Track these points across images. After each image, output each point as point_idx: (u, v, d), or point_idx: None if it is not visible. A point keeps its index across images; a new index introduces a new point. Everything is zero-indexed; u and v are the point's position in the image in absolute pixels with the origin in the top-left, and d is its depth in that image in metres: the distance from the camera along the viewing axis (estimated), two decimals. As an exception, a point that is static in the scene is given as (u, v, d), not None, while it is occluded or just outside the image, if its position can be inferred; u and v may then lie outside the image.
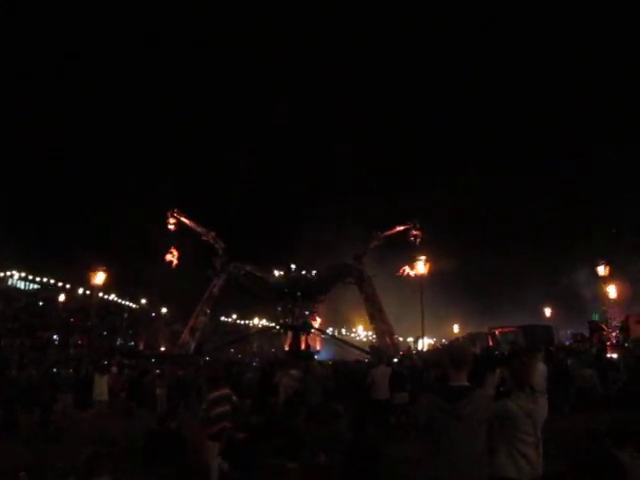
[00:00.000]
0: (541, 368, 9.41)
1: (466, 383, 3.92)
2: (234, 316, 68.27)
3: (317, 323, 43.86)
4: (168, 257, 36.46)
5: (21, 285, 61.16)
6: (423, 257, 32.26)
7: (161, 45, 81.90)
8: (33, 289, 60.54)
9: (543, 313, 43.69)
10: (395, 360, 20.65)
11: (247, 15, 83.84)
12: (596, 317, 31.71)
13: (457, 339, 34.66)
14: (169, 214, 36.30)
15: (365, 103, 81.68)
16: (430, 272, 31.43)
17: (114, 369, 19.18)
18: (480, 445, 3.81)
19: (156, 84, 74.25)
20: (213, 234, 37.02)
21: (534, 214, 55.43)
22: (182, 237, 37.55)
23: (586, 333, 28.84)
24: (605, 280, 31.02)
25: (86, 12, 71.69)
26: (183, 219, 36.81)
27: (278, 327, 40.00)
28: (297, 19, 77.70)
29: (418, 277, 31.48)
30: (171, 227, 36.43)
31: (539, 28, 73.16)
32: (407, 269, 32.11)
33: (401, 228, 35.26)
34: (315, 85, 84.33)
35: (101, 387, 14.77)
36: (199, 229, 37.17)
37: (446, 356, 4.09)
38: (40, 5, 72.82)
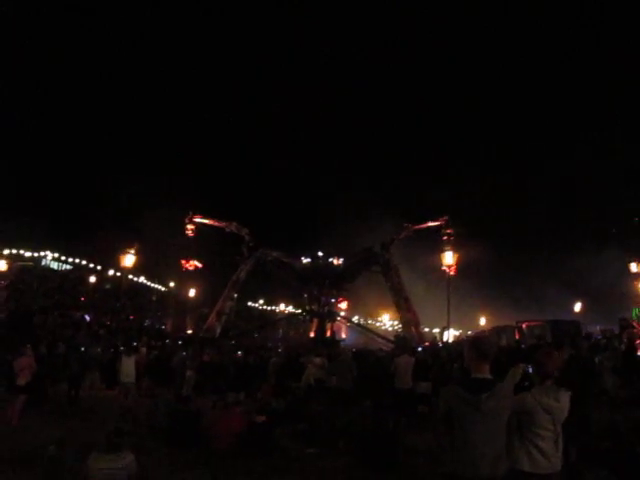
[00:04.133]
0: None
1: (489, 376, 3.87)
2: (261, 301, 68.77)
3: (343, 311, 43.93)
4: (186, 265, 36.88)
5: (54, 265, 62.59)
6: (450, 249, 31.97)
7: (173, 38, 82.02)
8: (65, 270, 61.88)
9: (572, 309, 43.02)
10: (419, 349, 20.57)
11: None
12: (636, 312, 31.00)
13: (483, 331, 34.29)
14: (186, 220, 36.53)
15: (397, 92, 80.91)
16: (458, 263, 31.11)
17: (143, 350, 19.41)
18: (500, 439, 3.77)
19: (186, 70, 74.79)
20: (235, 224, 37.22)
21: (567, 209, 54.50)
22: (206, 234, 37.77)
23: (616, 330, 28.29)
24: (638, 277, 30.39)
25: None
26: (201, 220, 37.09)
27: (304, 314, 40.13)
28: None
29: (446, 268, 31.21)
30: (189, 233, 36.62)
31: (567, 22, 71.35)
32: (447, 269, 31.73)
33: (433, 224, 34.95)
34: (347, 71, 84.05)
35: (128, 368, 15.02)
36: (220, 224, 37.43)
37: (470, 348, 4.04)
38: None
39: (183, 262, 36.85)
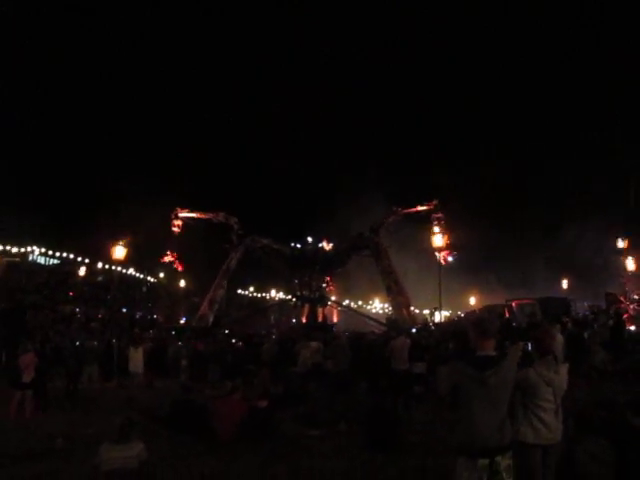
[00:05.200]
0: (559, 339, 9.56)
1: (493, 352, 4.04)
2: (251, 289, 68.87)
3: (334, 295, 44.18)
4: (166, 259, 36.97)
5: (42, 260, 62.10)
6: (438, 230, 32.20)
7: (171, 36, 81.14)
8: (53, 264, 61.46)
9: (560, 286, 43.61)
10: (413, 331, 20.83)
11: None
12: None
13: (473, 311, 34.69)
14: (172, 216, 36.51)
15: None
16: (447, 244, 31.37)
17: (149, 343, 19.34)
18: (504, 411, 3.95)
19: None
20: (222, 214, 37.23)
21: (551, 186, 54.96)
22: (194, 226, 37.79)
23: (603, 306, 28.75)
24: (624, 252, 30.85)
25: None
26: (187, 214, 37.06)
27: (295, 300, 40.31)
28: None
29: (436, 249, 31.45)
30: (175, 229, 36.63)
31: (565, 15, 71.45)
32: (439, 256, 31.94)
33: (422, 208, 35.18)
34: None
35: (136, 359, 15.20)
36: (207, 216, 37.44)
37: (473, 327, 4.19)
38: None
39: (166, 257, 36.95)
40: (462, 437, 3.94)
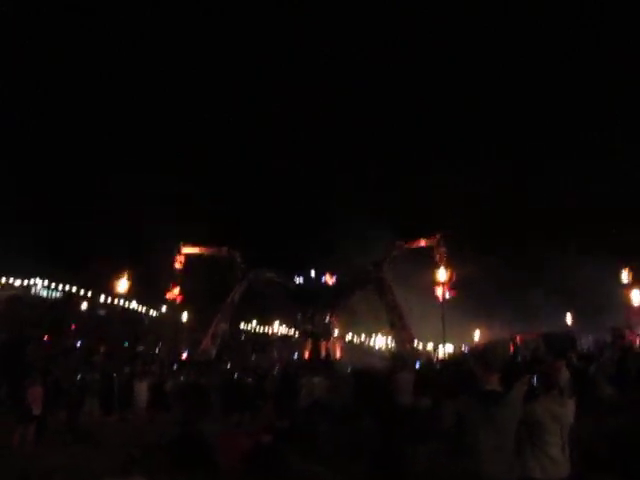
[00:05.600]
0: (564, 373, 9.49)
1: (498, 387, 4.04)
2: (254, 322, 68.48)
3: (337, 330, 43.93)
4: (169, 295, 37.12)
5: (44, 293, 62.11)
6: (443, 266, 32.21)
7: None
8: (56, 297, 61.42)
9: (564, 320, 43.31)
10: (417, 366, 20.65)
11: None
12: None
13: (477, 346, 34.44)
14: (176, 252, 36.72)
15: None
16: (450, 279, 31.37)
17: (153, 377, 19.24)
18: (511, 445, 3.93)
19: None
20: (225, 248, 37.36)
21: (553, 218, 55.01)
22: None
23: (608, 340, 28.50)
24: (628, 286, 30.75)
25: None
26: (190, 250, 37.22)
27: (298, 334, 40.12)
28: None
29: (437, 285, 31.41)
30: (178, 266, 36.83)
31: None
32: (439, 292, 31.93)
33: (425, 243, 35.27)
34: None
35: (141, 393, 15.12)
36: (210, 251, 37.59)
37: (476, 361, 4.20)
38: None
39: (170, 294, 37.01)
40: (469, 472, 3.91)
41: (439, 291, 30.77)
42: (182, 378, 20.20)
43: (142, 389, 15.40)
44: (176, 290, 37.64)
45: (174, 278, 37.56)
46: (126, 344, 40.16)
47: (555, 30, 74.69)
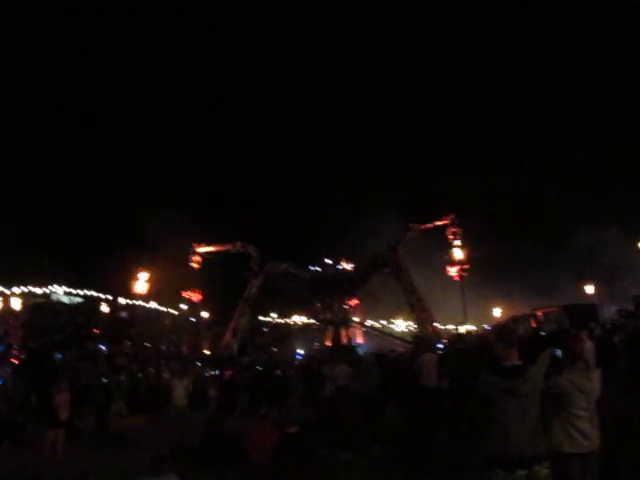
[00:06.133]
0: (588, 345, 9.39)
1: (519, 362, 4.02)
2: (274, 315, 68.68)
3: (357, 316, 43.97)
4: (188, 294, 37.52)
5: (65, 300, 62.70)
6: (458, 244, 32.10)
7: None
8: (77, 302, 62.03)
9: (584, 291, 42.90)
10: (440, 346, 20.64)
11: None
12: None
13: (499, 323, 34.28)
14: (191, 252, 36.95)
15: (397, 92, 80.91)
16: (467, 257, 31.22)
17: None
18: (535, 419, 3.91)
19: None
20: (239, 243, 37.50)
21: (570, 193, 54.42)
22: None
23: (631, 309, 28.20)
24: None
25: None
26: (205, 249, 37.45)
27: (318, 323, 40.20)
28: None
29: (454, 264, 31.32)
30: (195, 265, 37.08)
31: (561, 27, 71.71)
32: (451, 271, 31.87)
33: (439, 223, 35.06)
34: (347, 71, 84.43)
35: (180, 391, 15.29)
36: (224, 248, 37.76)
37: (495, 339, 4.20)
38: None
39: (189, 294, 37.40)
40: (496, 449, 3.89)
41: (453, 271, 30.61)
42: (207, 374, 20.38)
43: (181, 387, 15.55)
44: (194, 290, 37.99)
45: (191, 278, 37.88)
46: (148, 345, 40.50)
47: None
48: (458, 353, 15.50)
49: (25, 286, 53.38)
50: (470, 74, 75.56)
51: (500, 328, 4.71)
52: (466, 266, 30.82)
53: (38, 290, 56.55)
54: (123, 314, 53.79)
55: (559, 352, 5.03)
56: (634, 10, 52.47)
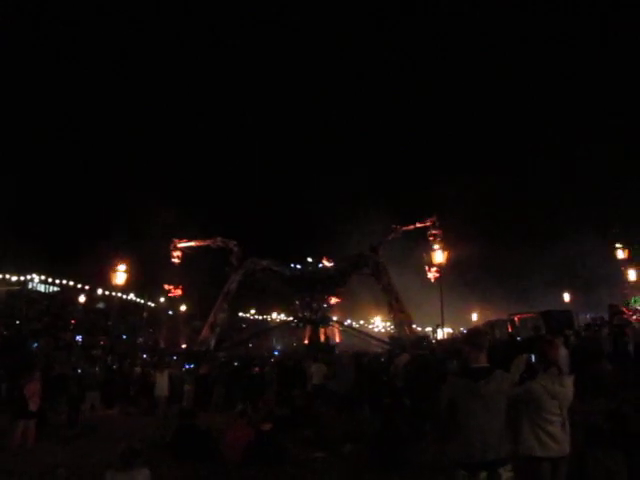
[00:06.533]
0: (562, 351, 9.50)
1: (486, 364, 4.06)
2: (252, 311, 68.59)
3: (335, 315, 44.02)
4: (169, 289, 37.54)
5: (41, 288, 61.99)
6: (438, 246, 32.23)
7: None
8: (53, 291, 61.35)
9: (562, 298, 43.45)
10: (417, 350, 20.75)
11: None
12: (635, 300, 31.19)
13: (476, 327, 34.52)
14: (172, 247, 36.84)
15: (397, 92, 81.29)
16: (448, 260, 31.37)
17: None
18: (501, 421, 3.94)
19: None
20: (220, 238, 37.40)
21: (549, 200, 55.16)
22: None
23: (606, 317, 28.58)
24: (624, 263, 30.81)
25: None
26: (186, 244, 37.36)
27: (296, 321, 40.17)
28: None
29: (434, 266, 31.43)
30: (176, 260, 37.01)
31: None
32: (430, 273, 32.07)
33: (420, 225, 35.28)
34: (347, 71, 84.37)
35: (162, 384, 15.28)
36: (205, 243, 37.67)
37: (465, 342, 4.26)
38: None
39: (170, 288, 37.33)
40: (460, 450, 3.92)
41: (432, 273, 30.84)
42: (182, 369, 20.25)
43: (163, 380, 15.51)
44: (175, 285, 37.90)
45: (171, 271, 37.72)
46: (124, 337, 40.18)
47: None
48: (417, 358, 15.57)
49: (1, 273, 52.71)
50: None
51: (472, 332, 4.77)
52: (443, 268, 30.96)
53: (14, 278, 55.85)
54: (100, 305, 53.35)
55: (533, 357, 5.10)
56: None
